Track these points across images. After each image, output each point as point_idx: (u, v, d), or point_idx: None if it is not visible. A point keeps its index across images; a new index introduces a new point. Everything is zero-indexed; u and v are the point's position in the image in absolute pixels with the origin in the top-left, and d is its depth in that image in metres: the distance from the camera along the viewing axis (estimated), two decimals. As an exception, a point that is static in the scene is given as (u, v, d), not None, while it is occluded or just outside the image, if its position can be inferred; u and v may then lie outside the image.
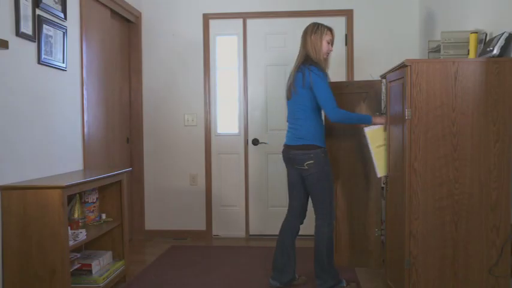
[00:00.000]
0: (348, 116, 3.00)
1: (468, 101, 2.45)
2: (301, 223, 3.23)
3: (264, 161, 4.64)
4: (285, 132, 4.57)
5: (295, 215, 3.20)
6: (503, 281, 2.47)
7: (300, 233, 3.22)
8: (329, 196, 3.05)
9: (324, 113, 3.02)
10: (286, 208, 4.81)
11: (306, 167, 3.02)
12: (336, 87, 3.25)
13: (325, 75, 2.99)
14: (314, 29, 3.06)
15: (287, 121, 3.20)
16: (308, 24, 3.12)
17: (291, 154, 3.09)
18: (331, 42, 3.10)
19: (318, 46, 3.03)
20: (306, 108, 3.03)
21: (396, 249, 2.80)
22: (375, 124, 3.02)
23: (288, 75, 4.58)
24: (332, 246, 3.09)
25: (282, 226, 3.24)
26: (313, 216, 3.11)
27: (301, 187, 3.14)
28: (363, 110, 3.35)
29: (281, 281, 3.20)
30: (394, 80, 2.82)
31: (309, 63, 3.00)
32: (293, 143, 3.08)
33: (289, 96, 3.12)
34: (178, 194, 4.69)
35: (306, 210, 3.21)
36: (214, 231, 4.71)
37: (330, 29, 3.09)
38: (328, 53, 3.10)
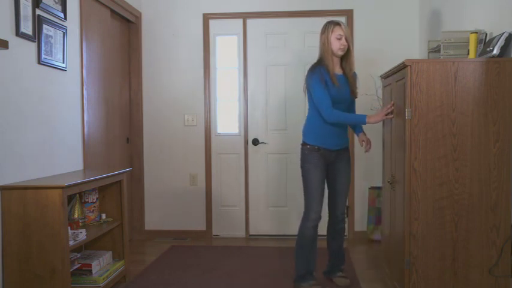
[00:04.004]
0: (343, 116, 2.97)
1: (468, 101, 2.45)
2: (332, 221, 3.20)
3: (264, 161, 4.64)
4: (285, 132, 4.62)
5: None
6: (503, 281, 2.46)
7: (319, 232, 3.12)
8: (307, 193, 3.04)
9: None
10: (286, 208, 4.81)
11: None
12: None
13: (318, 76, 2.93)
14: (322, 29, 3.02)
15: None
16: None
17: None
18: (342, 37, 2.94)
19: (325, 46, 2.99)
20: (310, 107, 3.09)
21: (396, 249, 2.80)
22: (369, 123, 2.94)
23: (288, 75, 4.63)
24: (300, 243, 3.04)
25: None
26: (324, 216, 3.12)
27: None
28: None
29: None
30: (394, 80, 2.82)
31: (318, 63, 3.01)
32: None
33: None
34: (178, 194, 4.69)
35: (329, 208, 3.20)
36: (214, 231, 4.71)
37: (337, 24, 2.97)
38: (342, 49, 2.96)
